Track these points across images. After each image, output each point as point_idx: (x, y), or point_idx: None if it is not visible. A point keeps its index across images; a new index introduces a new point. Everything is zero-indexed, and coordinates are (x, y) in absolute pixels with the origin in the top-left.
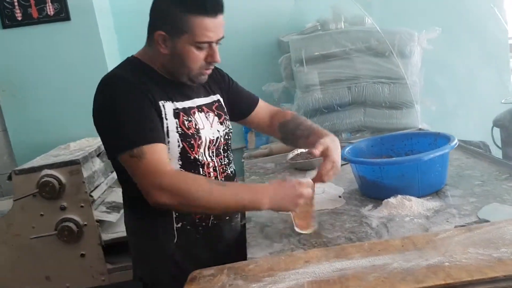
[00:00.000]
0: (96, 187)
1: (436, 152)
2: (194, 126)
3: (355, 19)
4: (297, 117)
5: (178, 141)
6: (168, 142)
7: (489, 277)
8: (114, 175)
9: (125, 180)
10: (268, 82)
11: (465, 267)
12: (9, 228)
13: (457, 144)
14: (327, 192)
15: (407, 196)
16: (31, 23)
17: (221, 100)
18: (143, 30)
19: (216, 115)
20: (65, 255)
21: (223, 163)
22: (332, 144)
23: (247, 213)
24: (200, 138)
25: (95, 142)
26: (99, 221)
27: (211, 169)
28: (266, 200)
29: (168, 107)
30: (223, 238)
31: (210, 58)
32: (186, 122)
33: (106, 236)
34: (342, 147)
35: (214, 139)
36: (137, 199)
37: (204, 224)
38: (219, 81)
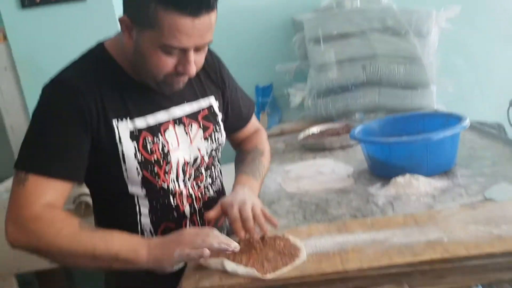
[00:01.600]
0: None
1: (446, 132)
2: (159, 149)
3: None
4: (253, 151)
5: (138, 169)
6: (125, 169)
7: (486, 252)
8: None
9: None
10: (282, 62)
11: (464, 242)
12: None
13: (468, 124)
14: (336, 172)
15: (416, 175)
16: (49, 2)
17: (215, 105)
18: None
19: (201, 127)
20: None
21: (204, 184)
22: (234, 196)
23: None
24: (168, 162)
25: None
26: None
27: (184, 198)
28: (144, 250)
29: (122, 128)
30: None
31: (181, 68)
32: (148, 145)
33: None
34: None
35: (191, 161)
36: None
37: None
38: (217, 81)
